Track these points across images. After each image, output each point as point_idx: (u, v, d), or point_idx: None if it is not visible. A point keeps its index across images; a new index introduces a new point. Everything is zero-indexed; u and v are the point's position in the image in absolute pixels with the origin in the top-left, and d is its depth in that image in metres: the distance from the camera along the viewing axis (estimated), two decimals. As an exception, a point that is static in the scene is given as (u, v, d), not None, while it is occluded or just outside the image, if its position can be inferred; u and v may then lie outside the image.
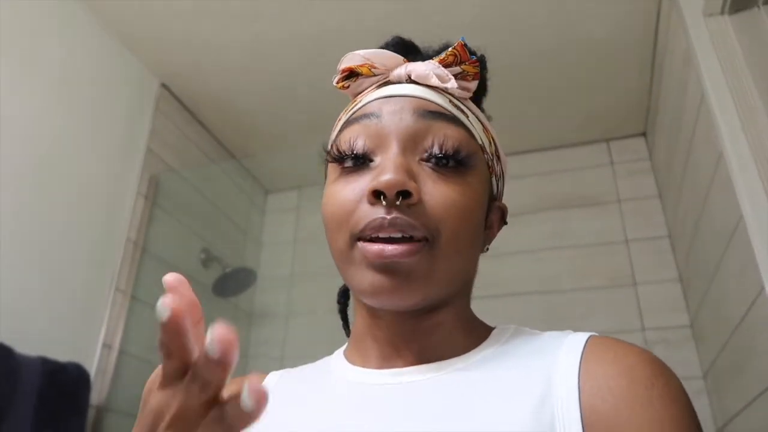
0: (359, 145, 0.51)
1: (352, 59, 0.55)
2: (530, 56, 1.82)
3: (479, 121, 0.54)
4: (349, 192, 0.49)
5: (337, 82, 0.56)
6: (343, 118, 0.56)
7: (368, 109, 0.52)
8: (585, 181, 2.16)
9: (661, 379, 0.44)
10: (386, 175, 0.46)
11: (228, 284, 2.03)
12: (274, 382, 0.59)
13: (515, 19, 1.68)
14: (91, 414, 1.43)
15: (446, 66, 0.52)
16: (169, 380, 0.31)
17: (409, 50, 0.57)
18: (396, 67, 0.54)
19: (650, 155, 2.12)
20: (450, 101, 0.52)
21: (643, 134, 2.16)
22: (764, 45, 1.11)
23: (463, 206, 0.49)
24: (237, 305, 2.21)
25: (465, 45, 0.52)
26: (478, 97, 0.57)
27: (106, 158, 1.67)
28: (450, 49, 0.53)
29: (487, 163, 0.54)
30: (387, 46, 0.57)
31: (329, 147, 0.56)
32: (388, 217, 0.46)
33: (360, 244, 0.47)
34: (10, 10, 1.38)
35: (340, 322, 0.63)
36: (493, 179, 0.56)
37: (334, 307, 0.62)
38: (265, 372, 0.62)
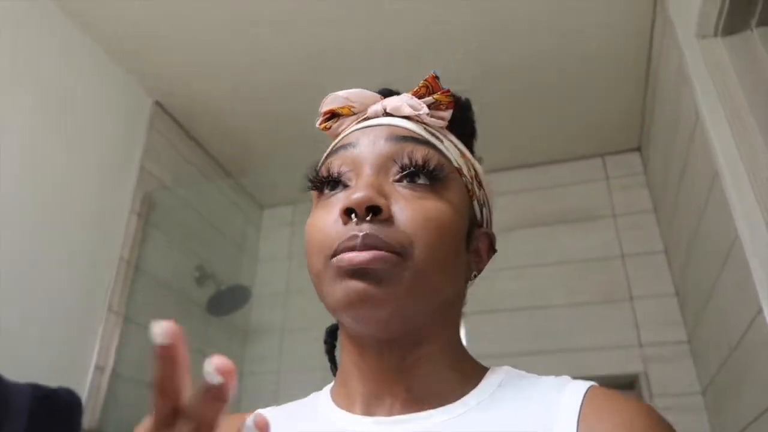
0: (335, 170, 0.53)
1: (334, 101, 0.58)
2: (525, 71, 1.82)
3: (456, 147, 0.56)
4: (326, 216, 0.51)
5: (320, 124, 0.59)
6: (327, 152, 0.59)
7: (346, 140, 0.55)
8: (580, 196, 2.16)
9: (653, 418, 0.44)
10: (356, 193, 0.47)
11: (222, 302, 2.01)
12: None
13: (509, 34, 1.69)
14: (83, 438, 1.41)
15: (419, 97, 0.55)
16: (160, 426, 0.29)
17: (392, 94, 0.59)
18: (373, 103, 0.57)
19: (645, 170, 2.12)
20: (425, 129, 0.54)
21: (638, 149, 2.16)
22: (757, 67, 1.11)
23: (437, 220, 0.49)
24: (232, 322, 2.19)
25: (436, 77, 0.55)
26: (468, 139, 0.59)
27: (99, 177, 1.65)
28: (422, 81, 0.55)
29: (467, 186, 0.55)
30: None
31: (312, 175, 0.57)
32: (360, 234, 0.46)
33: (333, 260, 0.48)
34: (3, 30, 1.37)
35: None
36: (476, 204, 0.56)
37: (330, 321, 0.61)
38: (251, 410, 0.61)
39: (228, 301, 2.03)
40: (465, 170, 0.56)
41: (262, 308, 2.35)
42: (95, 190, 1.64)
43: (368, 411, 0.51)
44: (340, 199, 0.51)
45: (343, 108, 0.58)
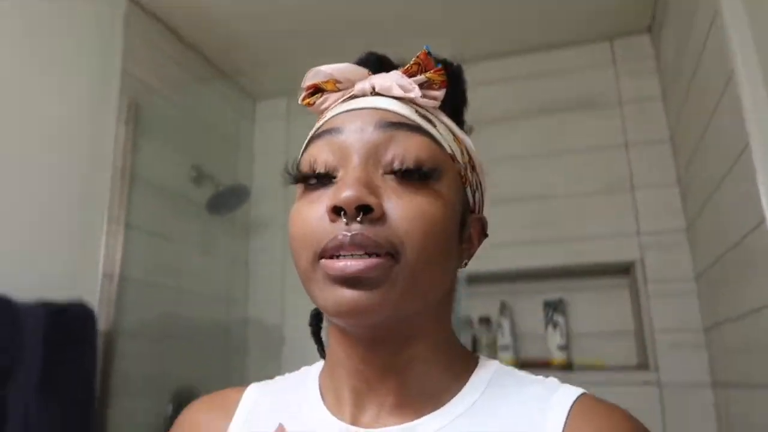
0: (320, 163, 0.49)
1: (316, 76, 0.53)
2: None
3: (449, 130, 0.52)
4: (311, 211, 0.48)
5: (302, 100, 0.54)
6: (310, 134, 0.54)
7: (331, 125, 0.51)
8: (586, 83, 2.06)
9: None
10: (345, 191, 0.44)
11: (222, 202, 2.01)
12: (253, 401, 0.59)
13: None
14: (101, 341, 1.48)
15: (410, 75, 0.50)
16: None
17: (382, 65, 0.54)
18: (360, 80, 0.52)
19: (656, 54, 2.00)
20: (416, 111, 0.50)
21: (649, 30, 2.02)
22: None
23: (430, 217, 0.46)
24: (233, 219, 2.21)
25: (429, 53, 0.50)
26: (457, 107, 0.55)
27: (80, 87, 1.57)
28: (413, 58, 0.51)
29: (460, 173, 0.52)
30: (360, 62, 0.55)
31: (292, 166, 0.53)
32: (349, 234, 0.44)
33: (322, 261, 0.46)
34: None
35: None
36: (468, 190, 0.54)
37: None
38: (244, 384, 0.61)
39: (227, 200, 2.03)
40: (458, 156, 0.52)
41: (262, 203, 2.36)
42: (78, 102, 1.56)
43: (356, 413, 0.51)
44: (327, 194, 0.48)
45: (327, 83, 0.53)
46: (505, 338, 1.86)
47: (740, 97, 1.11)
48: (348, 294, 0.44)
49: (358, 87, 0.52)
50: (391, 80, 0.50)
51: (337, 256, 0.45)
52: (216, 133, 2.24)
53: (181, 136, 1.99)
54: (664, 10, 1.81)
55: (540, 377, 0.53)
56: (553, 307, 1.87)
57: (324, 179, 0.49)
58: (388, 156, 0.48)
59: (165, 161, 1.90)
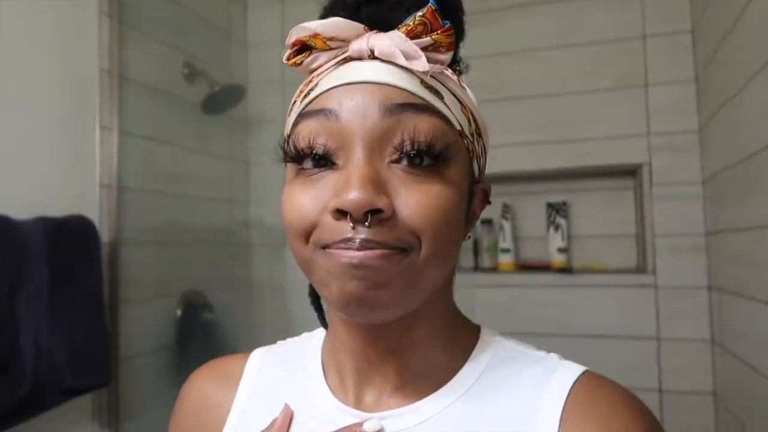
0: (319, 145, 0.44)
1: (301, 32, 0.45)
2: None
3: (456, 99, 0.47)
4: (309, 199, 0.44)
5: (288, 59, 0.47)
6: (298, 104, 0.48)
7: (326, 103, 0.45)
8: (606, -34, 1.88)
9: (638, 429, 0.44)
10: (351, 193, 0.40)
11: (217, 102, 1.93)
12: (256, 371, 0.59)
13: None
14: (105, 252, 1.49)
15: (414, 37, 0.44)
16: None
17: (380, 16, 0.46)
18: (355, 38, 0.45)
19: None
20: (421, 82, 0.45)
21: None
22: None
23: (444, 210, 0.43)
24: (230, 116, 2.14)
25: (436, 10, 0.43)
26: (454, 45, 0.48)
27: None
28: (418, 16, 0.43)
29: (468, 149, 0.48)
30: (353, 5, 0.47)
31: (284, 142, 0.48)
32: (357, 240, 0.41)
33: (326, 251, 0.43)
34: None
35: None
36: (474, 162, 0.50)
37: None
38: (249, 350, 0.62)
39: (223, 99, 1.95)
40: (466, 129, 0.47)
41: (259, 97, 2.27)
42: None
43: (359, 394, 0.51)
44: (327, 183, 0.44)
45: (315, 39, 0.45)
46: (506, 242, 1.87)
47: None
48: (354, 288, 0.42)
49: (354, 47, 0.45)
50: (393, 44, 0.43)
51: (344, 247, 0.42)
52: (206, 24, 2.10)
53: (169, 29, 1.86)
54: None
55: (541, 353, 0.52)
56: (556, 209, 1.86)
57: (322, 162, 0.45)
58: (396, 140, 0.43)
59: (154, 58, 1.79)
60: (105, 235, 1.52)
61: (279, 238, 2.24)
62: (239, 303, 2.15)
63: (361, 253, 0.41)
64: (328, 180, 0.44)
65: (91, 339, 1.32)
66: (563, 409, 0.45)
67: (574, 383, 0.47)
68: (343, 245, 0.42)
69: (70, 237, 1.33)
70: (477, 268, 1.92)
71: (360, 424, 0.48)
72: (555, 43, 1.92)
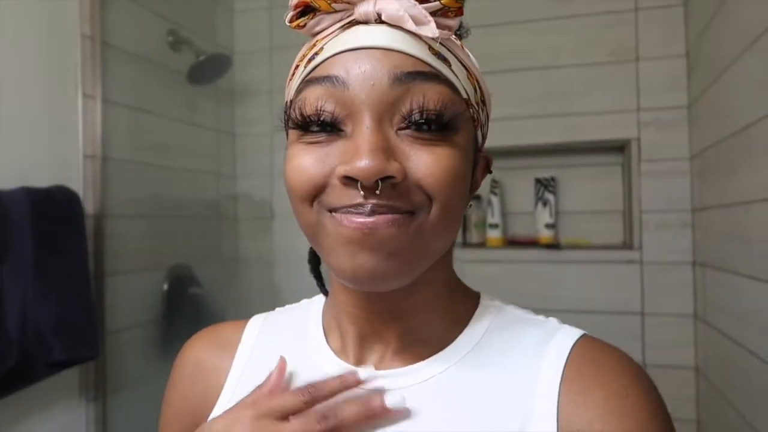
0: (327, 113, 0.43)
1: None
2: None
3: (462, 65, 0.46)
4: (315, 162, 0.43)
5: (290, 21, 0.46)
6: (301, 69, 0.46)
7: (332, 69, 0.43)
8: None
9: (636, 389, 0.44)
10: (362, 160, 0.40)
11: (203, 72, 1.89)
12: (254, 337, 0.59)
13: None
14: (90, 224, 1.47)
15: (422, 1, 0.42)
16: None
17: None
18: (361, 0, 0.43)
19: None
20: (429, 48, 0.44)
21: None
22: None
23: (452, 174, 0.43)
24: (216, 86, 2.10)
25: None
26: None
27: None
28: None
29: (473, 117, 0.47)
30: None
31: (287, 108, 0.47)
32: (367, 207, 0.41)
33: (333, 215, 0.43)
34: None
35: None
36: (479, 131, 0.50)
37: None
38: (245, 317, 0.61)
39: (209, 69, 1.90)
40: (472, 97, 0.46)
41: (246, 67, 2.23)
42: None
43: (360, 356, 0.51)
44: (334, 149, 0.43)
45: (319, 0, 0.44)
46: (494, 217, 1.87)
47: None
48: (364, 260, 0.42)
49: (361, 11, 0.43)
50: (401, 9, 0.42)
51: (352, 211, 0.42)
52: (191, -9, 2.04)
53: (153, -5, 1.81)
54: None
55: (540, 318, 0.52)
56: (544, 185, 1.86)
57: (329, 128, 0.44)
58: (404, 110, 0.43)
59: (138, 26, 1.74)
60: (90, 207, 1.49)
61: (266, 212, 2.22)
62: (226, 277, 2.14)
63: (372, 219, 0.41)
64: (335, 146, 0.43)
65: (78, 311, 1.31)
66: (563, 371, 0.46)
67: (573, 346, 0.48)
68: (353, 210, 0.41)
69: (54, 208, 1.30)
70: (465, 244, 1.93)
71: (355, 372, 0.49)
72: (547, 15, 1.90)
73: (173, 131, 1.90)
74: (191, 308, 1.82)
